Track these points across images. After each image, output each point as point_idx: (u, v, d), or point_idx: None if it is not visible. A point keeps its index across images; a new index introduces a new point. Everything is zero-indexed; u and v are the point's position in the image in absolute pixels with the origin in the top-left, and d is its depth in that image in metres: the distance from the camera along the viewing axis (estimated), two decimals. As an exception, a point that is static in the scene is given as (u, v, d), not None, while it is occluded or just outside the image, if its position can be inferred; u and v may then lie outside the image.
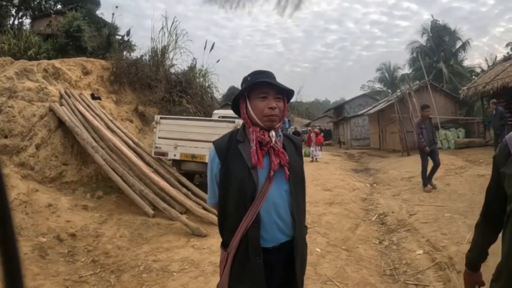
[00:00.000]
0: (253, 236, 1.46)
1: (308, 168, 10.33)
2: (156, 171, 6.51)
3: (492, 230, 1.43)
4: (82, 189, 6.25)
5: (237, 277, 1.48)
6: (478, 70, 26.61)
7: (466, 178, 7.46)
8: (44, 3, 21.04)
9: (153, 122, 6.94)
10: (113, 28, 15.02)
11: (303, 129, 30.29)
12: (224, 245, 1.55)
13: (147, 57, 12.16)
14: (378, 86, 41.62)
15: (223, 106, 13.96)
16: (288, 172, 1.52)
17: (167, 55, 12.30)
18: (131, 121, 9.29)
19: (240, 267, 1.48)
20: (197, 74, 13.28)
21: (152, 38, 12.43)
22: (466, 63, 29.17)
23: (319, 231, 4.90)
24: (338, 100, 58.97)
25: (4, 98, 6.27)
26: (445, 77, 24.60)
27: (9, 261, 0.44)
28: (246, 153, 1.50)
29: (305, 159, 2.01)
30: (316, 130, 15.40)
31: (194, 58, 15.63)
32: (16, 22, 20.14)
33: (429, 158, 6.97)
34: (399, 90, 17.62)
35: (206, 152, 5.68)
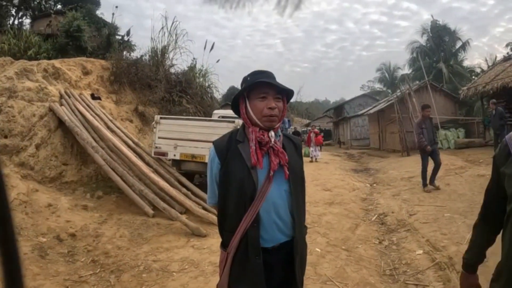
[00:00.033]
0: (253, 236, 1.46)
1: (308, 168, 10.34)
2: (156, 171, 6.51)
3: (491, 230, 1.43)
4: (82, 189, 6.25)
5: (236, 277, 1.48)
6: (478, 70, 26.64)
7: (466, 178, 7.46)
8: (44, 3, 21.05)
9: (153, 122, 6.94)
10: (113, 28, 15.01)
11: (303, 129, 30.30)
12: (224, 245, 1.56)
13: (147, 57, 12.17)
14: (378, 86, 41.64)
15: (223, 106, 13.96)
16: (287, 172, 1.52)
17: (167, 55, 12.30)
18: (131, 121, 9.29)
19: (239, 267, 1.48)
20: (197, 74, 13.28)
21: (152, 38, 12.44)
22: (466, 63, 29.22)
23: (319, 231, 4.90)
24: (338, 100, 58.98)
25: (4, 98, 6.27)
26: (445, 77, 24.61)
27: (9, 261, 0.44)
28: (246, 153, 1.50)
29: (304, 159, 2.01)
30: (315, 130, 15.40)
31: (194, 58, 15.64)
32: (16, 22, 20.16)
33: (429, 158, 6.96)
34: (399, 90, 17.63)
35: (206, 152, 5.67)
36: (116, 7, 21.38)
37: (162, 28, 12.46)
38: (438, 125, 14.31)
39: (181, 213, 5.45)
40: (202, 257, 4.03)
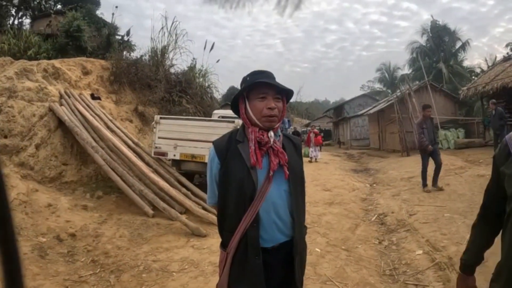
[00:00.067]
0: (253, 236, 1.46)
1: (308, 168, 10.33)
2: (156, 171, 6.51)
3: (490, 230, 1.42)
4: (81, 189, 6.24)
5: (236, 277, 1.48)
6: (478, 70, 26.66)
7: (466, 178, 7.46)
8: (44, 3, 21.04)
9: (153, 122, 6.94)
10: (113, 28, 15.01)
11: (303, 129, 30.28)
12: (224, 245, 1.56)
13: (147, 57, 12.17)
14: (378, 86, 41.63)
15: (222, 106, 13.95)
16: (287, 172, 1.52)
17: (167, 55, 12.30)
18: (131, 121, 9.29)
19: (239, 267, 1.48)
20: (197, 74, 13.28)
21: (152, 38, 12.44)
22: (466, 63, 29.23)
23: (318, 231, 4.90)
24: (337, 100, 58.96)
25: (4, 98, 6.27)
26: (445, 77, 24.62)
27: (9, 261, 0.44)
28: (246, 153, 1.50)
29: (304, 159, 2.01)
30: (315, 130, 15.33)
31: (194, 58, 15.64)
32: (16, 22, 20.14)
33: (430, 158, 6.95)
34: (398, 90, 17.64)
35: (206, 152, 5.67)
36: (116, 7, 21.41)
37: (162, 28, 12.47)
38: (438, 125, 14.31)
39: (181, 213, 5.45)
40: (202, 257, 4.03)
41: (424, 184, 7.03)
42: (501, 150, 1.32)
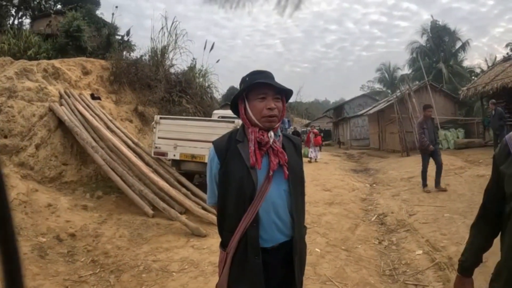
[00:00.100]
0: (252, 236, 1.46)
1: (308, 169, 10.33)
2: (156, 171, 6.51)
3: (489, 231, 1.41)
4: (81, 189, 6.24)
5: (236, 277, 1.48)
6: (478, 70, 26.68)
7: (466, 178, 7.46)
8: (44, 3, 21.03)
9: (153, 122, 6.94)
10: (113, 28, 15.01)
11: (302, 129, 30.27)
12: (223, 245, 1.56)
13: (146, 57, 12.17)
14: (377, 86, 41.67)
15: (222, 106, 13.95)
16: (287, 172, 1.52)
17: (167, 55, 12.30)
18: (131, 121, 9.29)
19: (239, 267, 1.48)
20: (197, 74, 13.28)
21: (152, 38, 12.44)
22: (465, 63, 29.26)
23: (318, 231, 4.90)
24: (337, 100, 58.98)
25: (3, 98, 6.27)
26: (444, 77, 24.64)
27: (9, 261, 0.44)
28: (245, 153, 1.50)
29: (303, 159, 2.01)
30: (315, 130, 15.21)
31: (194, 58, 15.65)
32: (16, 22, 20.13)
33: (430, 158, 6.93)
34: (398, 91, 17.64)
35: (206, 152, 5.68)
36: (116, 7, 21.43)
37: (162, 28, 12.48)
38: (438, 125, 14.32)
39: (180, 213, 5.45)
40: (201, 257, 4.03)
41: (424, 184, 7.02)
42: (501, 149, 1.32)
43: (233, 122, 5.86)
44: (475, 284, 1.50)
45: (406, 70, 32.03)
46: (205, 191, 2.20)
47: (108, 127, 7.19)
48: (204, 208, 5.61)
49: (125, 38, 15.76)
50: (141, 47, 34.54)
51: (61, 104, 6.98)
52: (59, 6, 20.01)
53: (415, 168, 9.16)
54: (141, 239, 4.62)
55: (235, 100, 1.61)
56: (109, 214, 5.39)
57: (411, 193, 6.93)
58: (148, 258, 3.99)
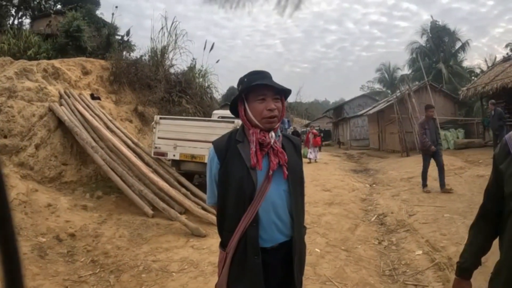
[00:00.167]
0: (252, 236, 1.46)
1: (308, 169, 10.34)
2: (156, 171, 6.51)
3: (490, 230, 1.41)
4: (81, 189, 6.24)
5: (235, 277, 1.49)
6: (478, 70, 26.71)
7: (466, 178, 7.46)
8: (44, 3, 21.04)
9: (153, 122, 6.94)
10: (113, 28, 15.02)
11: (302, 130, 30.27)
12: (223, 245, 1.56)
13: (146, 57, 12.18)
14: (377, 86, 41.69)
15: (222, 107, 13.95)
16: (286, 172, 1.53)
17: (166, 55, 12.31)
18: (131, 121, 9.29)
19: (238, 267, 1.48)
20: (197, 74, 13.29)
21: (151, 38, 12.46)
22: (465, 63, 29.28)
23: (318, 232, 4.90)
24: (337, 101, 59.01)
25: (3, 98, 6.27)
26: (444, 77, 24.65)
27: (9, 261, 0.44)
28: (245, 153, 1.50)
29: (303, 160, 2.01)
30: (314, 131, 15.07)
31: (193, 58, 15.65)
32: (15, 22, 20.13)
33: (431, 159, 6.87)
34: (398, 91, 17.63)
35: (206, 152, 5.68)
36: (116, 7, 21.44)
37: (162, 28, 12.49)
38: (438, 125, 14.32)
39: (180, 213, 5.45)
40: (201, 257, 4.03)
41: (424, 185, 7.01)
42: (501, 149, 1.33)
43: (233, 122, 5.86)
44: (474, 284, 1.48)
45: (406, 71, 32.11)
46: (204, 191, 2.20)
47: (108, 127, 7.19)
48: (203, 208, 5.61)
49: (125, 38, 15.78)
50: (141, 47, 34.57)
51: (61, 104, 6.98)
52: (59, 6, 20.01)
53: (415, 168, 9.16)
54: (141, 239, 4.62)
55: (235, 101, 1.61)
56: (109, 214, 5.39)
57: (411, 193, 6.93)
58: (148, 258, 3.99)
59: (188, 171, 6.93)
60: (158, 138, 6.71)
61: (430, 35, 28.75)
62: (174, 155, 6.62)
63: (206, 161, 1.81)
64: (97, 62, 10.48)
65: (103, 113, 7.77)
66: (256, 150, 1.49)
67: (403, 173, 9.48)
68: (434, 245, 4.13)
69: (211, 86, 13.70)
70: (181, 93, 11.26)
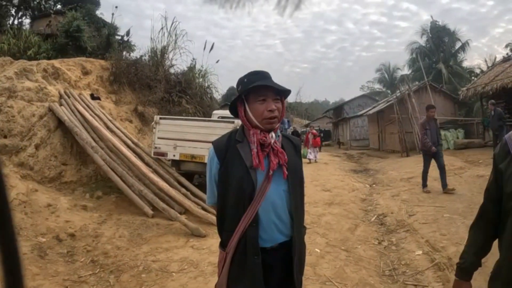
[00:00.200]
0: (252, 236, 1.46)
1: (308, 169, 10.34)
2: (155, 171, 6.50)
3: (490, 230, 1.41)
4: (81, 189, 6.25)
5: (235, 277, 1.49)
6: (478, 71, 26.71)
7: (466, 178, 7.47)
8: (43, 3, 21.02)
9: (153, 122, 6.94)
10: (113, 28, 15.02)
11: (302, 130, 30.27)
12: (223, 245, 1.56)
13: (146, 57, 12.19)
14: (377, 86, 41.73)
15: (222, 107, 13.95)
16: (286, 172, 1.53)
17: (166, 55, 12.31)
18: (131, 121, 9.29)
19: (238, 267, 1.48)
20: (197, 75, 13.29)
21: (151, 38, 12.47)
22: (465, 64, 29.29)
23: (318, 232, 4.90)
24: (337, 101, 59.03)
25: (3, 98, 6.27)
26: (444, 77, 24.66)
27: (9, 261, 0.44)
28: (245, 153, 1.50)
29: (303, 160, 2.02)
30: (313, 131, 15.01)
31: (193, 59, 15.65)
32: (15, 22, 20.11)
33: (432, 160, 6.84)
34: (398, 91, 17.64)
35: (206, 152, 5.67)
36: (116, 7, 21.50)
37: (162, 28, 12.50)
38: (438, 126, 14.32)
39: (180, 213, 5.45)
40: (201, 257, 4.03)
41: (424, 185, 7.00)
42: (501, 148, 1.33)
43: (233, 122, 5.86)
44: (474, 284, 1.47)
45: (406, 71, 32.14)
46: (204, 191, 2.20)
47: (108, 127, 7.19)
48: (203, 208, 5.61)
49: (125, 38, 15.78)
50: (141, 47, 34.49)
51: (60, 104, 6.98)
52: (59, 6, 19.99)
53: (415, 168, 9.16)
54: (140, 239, 4.62)
55: (235, 103, 1.61)
56: (109, 214, 5.39)
57: (411, 194, 6.93)
58: (147, 258, 3.99)
59: (188, 171, 6.93)
60: (158, 138, 6.71)
61: (430, 35, 28.77)
62: (174, 155, 6.62)
63: (206, 161, 1.81)
64: (97, 62, 10.48)
65: (103, 113, 7.77)
66: (258, 150, 1.49)
67: (403, 173, 9.48)
68: (434, 245, 4.13)
69: (211, 86, 13.72)
70: (181, 93, 11.27)
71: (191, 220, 5.21)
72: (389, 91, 35.21)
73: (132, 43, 15.67)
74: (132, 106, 9.88)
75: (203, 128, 6.48)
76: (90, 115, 7.10)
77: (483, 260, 1.46)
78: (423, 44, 29.34)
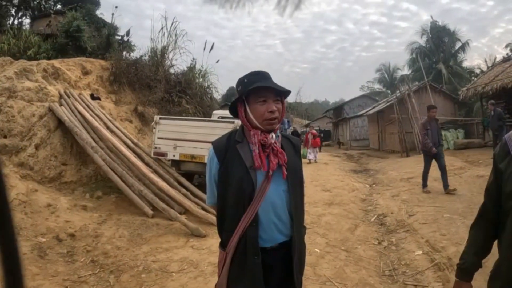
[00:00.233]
0: (252, 236, 1.46)
1: (308, 169, 10.34)
2: (155, 172, 6.50)
3: (490, 230, 1.40)
4: (81, 189, 6.25)
5: (235, 277, 1.49)
6: (478, 71, 26.72)
7: (466, 179, 7.47)
8: (43, 3, 21.02)
9: (153, 123, 6.94)
10: (113, 28, 15.02)
11: (302, 130, 30.26)
12: (223, 245, 1.56)
13: (146, 57, 12.19)
14: (377, 87, 41.75)
15: (222, 107, 13.95)
16: (286, 172, 1.53)
17: (166, 56, 12.32)
18: (131, 121, 9.29)
19: (238, 267, 1.48)
20: (197, 75, 13.29)
21: (151, 39, 12.48)
22: (465, 64, 29.31)
23: (318, 232, 4.90)
24: (337, 101, 59.06)
25: (3, 98, 6.27)
26: (444, 78, 24.67)
27: (9, 261, 0.45)
28: (244, 153, 1.51)
29: (303, 160, 2.02)
30: (313, 131, 14.95)
31: (193, 59, 15.64)
32: (15, 22, 20.11)
33: (433, 160, 6.81)
34: (398, 91, 17.64)
35: (205, 152, 5.66)
36: (116, 7, 21.53)
37: (162, 28, 12.51)
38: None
39: (180, 213, 5.45)
40: (201, 257, 4.03)
41: (424, 185, 6.99)
42: (501, 148, 1.34)
43: (233, 122, 5.86)
44: (474, 285, 1.47)
45: (406, 71, 32.16)
46: (204, 191, 2.20)
47: (108, 127, 7.19)
48: (203, 209, 5.61)
49: (125, 38, 15.78)
50: (141, 47, 34.50)
51: (60, 104, 6.98)
52: (59, 6, 20.00)
53: (415, 168, 9.17)
54: (140, 239, 4.62)
55: (235, 103, 1.60)
56: (109, 214, 5.39)
57: (411, 194, 6.93)
58: (147, 258, 3.99)
59: (188, 171, 6.93)
60: (158, 138, 6.71)
61: (430, 36, 28.78)
62: (174, 155, 6.62)
63: (206, 161, 1.81)
64: (97, 62, 10.48)
65: (103, 113, 7.77)
66: (260, 151, 1.49)
67: (403, 173, 9.48)
68: (434, 245, 4.13)
69: (211, 86, 13.72)
70: (181, 93, 11.27)
71: (191, 220, 5.21)
72: (389, 91, 35.21)
73: (132, 43, 15.70)
74: (132, 106, 9.89)
75: (203, 128, 6.47)
76: (90, 115, 7.10)
77: (483, 260, 1.45)
78: (423, 44, 29.35)
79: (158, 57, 12.03)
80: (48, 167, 6.14)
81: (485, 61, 28.07)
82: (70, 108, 6.99)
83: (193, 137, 6.44)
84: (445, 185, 6.61)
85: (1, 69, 7.49)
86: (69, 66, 9.01)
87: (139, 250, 4.23)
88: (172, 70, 12.39)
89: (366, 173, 11.44)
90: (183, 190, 6.23)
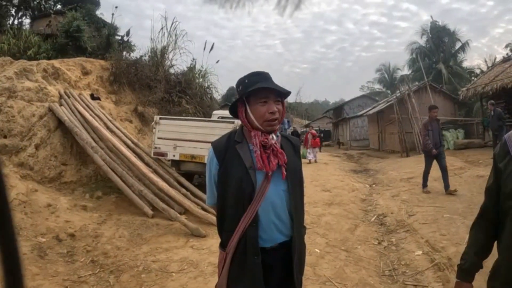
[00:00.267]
0: (252, 236, 1.46)
1: (307, 169, 10.35)
2: (155, 172, 6.50)
3: (491, 230, 1.40)
4: (81, 189, 6.24)
5: (235, 277, 1.49)
6: (478, 71, 26.73)
7: (466, 179, 7.47)
8: (43, 3, 21.02)
9: (153, 123, 6.94)
10: (113, 28, 15.02)
11: (302, 130, 30.24)
12: (223, 245, 1.56)
13: (146, 57, 12.20)
14: (377, 87, 41.75)
15: (222, 107, 13.97)
16: (285, 172, 1.53)
17: (166, 56, 12.32)
18: (131, 122, 9.29)
19: (238, 267, 1.48)
20: (197, 75, 13.29)
21: (151, 39, 12.49)
22: (465, 64, 29.32)
23: (318, 232, 4.90)
24: (337, 101, 59.08)
25: (3, 98, 6.27)
26: (444, 78, 24.68)
27: (9, 261, 0.45)
28: (244, 154, 1.51)
29: (303, 160, 2.02)
30: (313, 131, 14.91)
31: (193, 59, 15.65)
32: (15, 22, 20.11)
33: (434, 161, 6.78)
34: (398, 91, 17.64)
35: (205, 152, 5.65)
36: (116, 7, 21.53)
37: (162, 28, 12.53)
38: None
39: (180, 213, 5.45)
40: (201, 257, 4.03)
41: (424, 185, 6.98)
42: (501, 148, 1.34)
43: (233, 122, 5.86)
44: (474, 284, 1.46)
45: (406, 71, 32.17)
46: (204, 191, 2.20)
47: (108, 128, 7.19)
48: (203, 209, 5.61)
49: (125, 38, 15.78)
50: (141, 47, 34.52)
51: (60, 104, 6.98)
52: (59, 6, 20.00)
53: (415, 168, 9.17)
54: (140, 239, 4.62)
55: (236, 104, 1.60)
56: (109, 215, 5.39)
57: (411, 194, 6.93)
58: (147, 258, 3.99)
59: (188, 171, 6.93)
60: (158, 138, 6.71)
61: (430, 36, 28.78)
62: (174, 155, 6.62)
63: (205, 161, 1.81)
64: (97, 62, 10.49)
65: (103, 113, 7.77)
66: (261, 152, 1.49)
67: (403, 173, 9.48)
68: (434, 246, 4.14)
69: (211, 86, 13.73)
70: (181, 93, 11.27)
71: (191, 220, 5.21)
72: (389, 91, 35.21)
73: (132, 43, 15.70)
74: (132, 106, 9.89)
75: (203, 128, 6.48)
76: (90, 115, 7.10)
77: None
78: (423, 44, 29.36)
79: (158, 57, 12.03)
80: (48, 167, 6.14)
81: (485, 61, 28.12)
82: (70, 108, 6.99)
83: (193, 137, 6.44)
84: (446, 185, 6.59)
85: (1, 69, 7.49)
86: (69, 66, 9.01)
87: (139, 250, 4.23)
88: (172, 70, 12.42)
89: (366, 173, 11.43)
90: (183, 190, 6.24)
